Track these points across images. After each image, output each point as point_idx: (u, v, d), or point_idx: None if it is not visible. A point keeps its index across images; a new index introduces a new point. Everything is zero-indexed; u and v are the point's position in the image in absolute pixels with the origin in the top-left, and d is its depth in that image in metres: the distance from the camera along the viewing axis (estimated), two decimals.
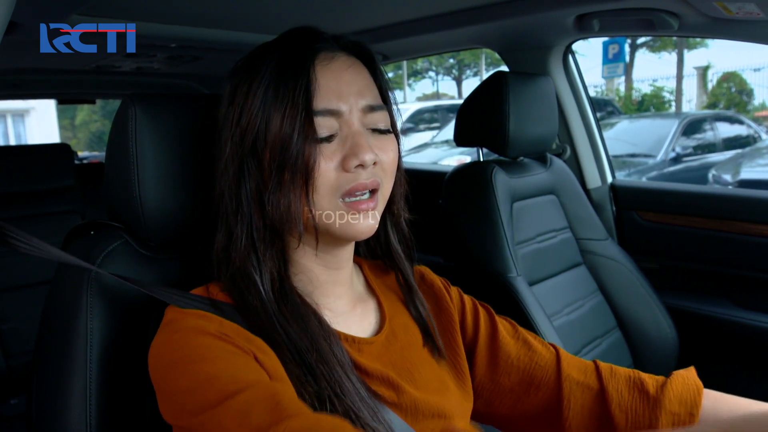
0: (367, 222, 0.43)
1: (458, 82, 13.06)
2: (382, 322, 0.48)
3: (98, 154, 5.91)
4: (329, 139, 0.41)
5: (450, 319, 0.51)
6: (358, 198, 0.42)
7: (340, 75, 0.42)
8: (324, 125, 0.41)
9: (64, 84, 1.64)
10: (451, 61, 12.35)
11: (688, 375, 0.47)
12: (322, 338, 0.41)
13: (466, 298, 0.54)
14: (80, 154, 5.57)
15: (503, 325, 0.52)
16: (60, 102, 2.09)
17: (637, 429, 0.45)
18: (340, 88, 0.42)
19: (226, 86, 0.45)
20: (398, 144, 0.46)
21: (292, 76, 0.41)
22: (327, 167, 0.41)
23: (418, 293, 0.50)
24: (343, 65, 0.43)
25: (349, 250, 0.47)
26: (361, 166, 0.41)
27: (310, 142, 0.40)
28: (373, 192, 0.43)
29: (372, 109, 0.43)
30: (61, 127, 12.53)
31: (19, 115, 11.27)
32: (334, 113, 0.42)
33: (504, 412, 0.50)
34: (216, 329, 0.38)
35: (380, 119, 0.44)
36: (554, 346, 0.51)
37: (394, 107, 0.47)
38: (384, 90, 0.46)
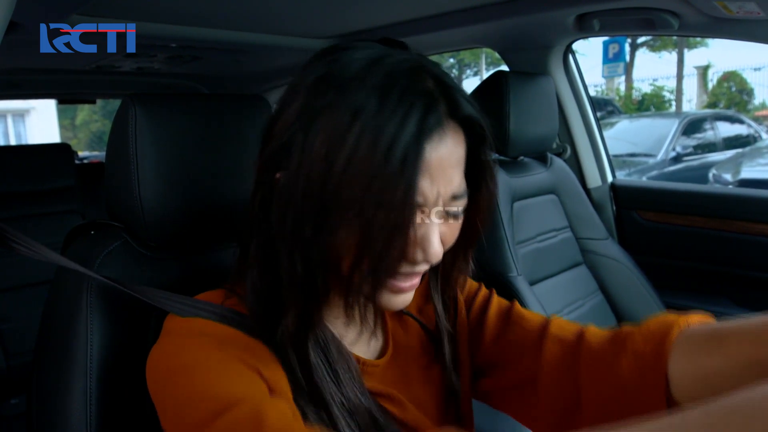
0: (406, 297, 0.39)
1: (458, 81, 13.02)
2: (386, 342, 0.47)
3: (98, 154, 5.91)
4: None
5: (463, 330, 0.50)
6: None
7: (442, 162, 0.35)
8: None
9: (64, 84, 1.64)
10: (451, 60, 12.35)
11: (676, 315, 0.40)
12: (345, 371, 0.40)
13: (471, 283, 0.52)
14: (80, 154, 5.57)
15: (498, 302, 0.50)
16: (60, 102, 2.09)
17: (599, 380, 0.40)
18: (434, 178, 0.35)
19: (302, 95, 0.35)
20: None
21: (399, 156, 0.32)
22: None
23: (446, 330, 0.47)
24: (450, 148, 0.35)
25: None
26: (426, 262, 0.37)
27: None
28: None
29: (455, 197, 0.37)
30: (62, 127, 12.52)
31: (20, 115, 11.25)
32: (420, 206, 0.36)
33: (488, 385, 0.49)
34: (216, 332, 0.37)
35: (459, 204, 0.38)
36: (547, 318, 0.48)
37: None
38: (477, 169, 0.39)
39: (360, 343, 0.45)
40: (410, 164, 0.33)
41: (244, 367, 0.35)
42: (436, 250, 0.37)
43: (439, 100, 0.35)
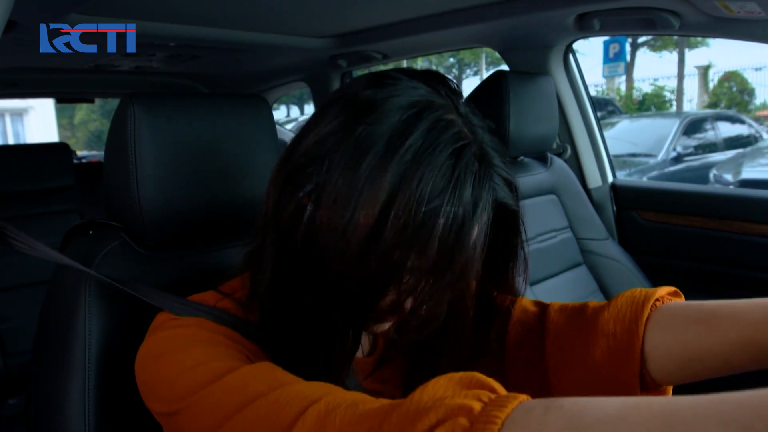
0: (384, 326, 0.39)
1: (459, 81, 12.98)
2: (375, 340, 0.47)
3: (97, 154, 5.90)
4: None
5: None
6: None
7: None
8: None
9: (62, 83, 1.63)
10: (451, 60, 12.34)
11: (644, 290, 0.38)
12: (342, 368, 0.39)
13: None
14: (79, 153, 5.55)
15: None
16: (59, 101, 2.08)
17: (567, 361, 0.40)
18: None
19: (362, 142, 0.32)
20: None
21: (473, 241, 0.33)
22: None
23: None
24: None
25: None
26: None
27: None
28: None
29: None
30: (60, 126, 12.47)
31: (18, 114, 11.18)
32: None
33: None
34: (208, 326, 0.37)
35: None
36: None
37: None
38: (503, 251, 0.40)
39: None
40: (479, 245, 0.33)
41: (238, 354, 0.35)
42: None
43: (489, 185, 0.34)
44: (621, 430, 0.18)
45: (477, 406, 0.22)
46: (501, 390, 0.24)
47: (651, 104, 9.69)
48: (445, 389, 0.24)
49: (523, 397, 0.23)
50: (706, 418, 0.17)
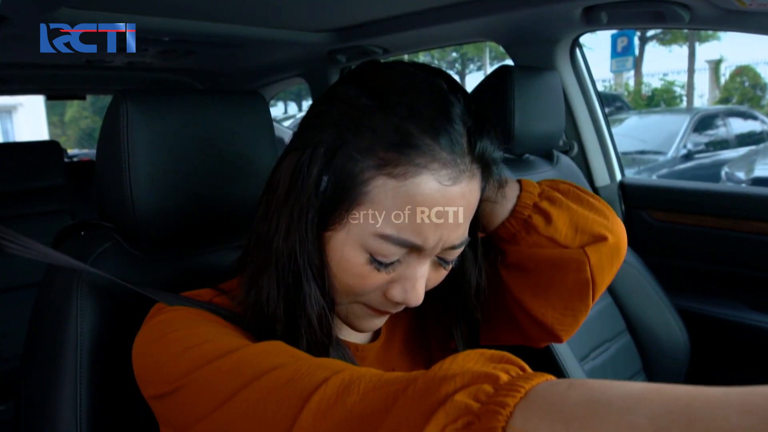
0: (375, 322, 0.39)
1: (461, 76, 12.96)
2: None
3: (88, 152, 5.89)
4: (388, 267, 0.34)
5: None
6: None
7: (450, 204, 0.33)
8: (393, 252, 0.34)
9: (53, 79, 1.60)
10: (454, 54, 12.26)
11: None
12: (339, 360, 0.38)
13: None
14: (70, 151, 5.57)
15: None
16: (49, 98, 2.04)
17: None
18: (439, 223, 0.33)
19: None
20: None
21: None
22: (366, 285, 0.35)
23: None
24: (460, 192, 0.33)
25: None
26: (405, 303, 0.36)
27: (367, 262, 0.34)
28: None
29: (454, 247, 0.36)
30: (50, 124, 12.34)
31: (7, 112, 10.94)
32: (415, 247, 0.34)
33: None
34: (205, 314, 0.36)
35: (455, 254, 0.37)
36: None
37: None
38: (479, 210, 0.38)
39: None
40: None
41: (235, 335, 0.35)
42: (418, 295, 0.36)
43: (460, 141, 0.33)
44: (640, 407, 0.18)
45: (504, 377, 0.23)
46: (529, 369, 0.25)
47: (660, 100, 9.56)
48: (475, 362, 0.25)
49: (550, 376, 0.23)
50: (729, 406, 0.17)
